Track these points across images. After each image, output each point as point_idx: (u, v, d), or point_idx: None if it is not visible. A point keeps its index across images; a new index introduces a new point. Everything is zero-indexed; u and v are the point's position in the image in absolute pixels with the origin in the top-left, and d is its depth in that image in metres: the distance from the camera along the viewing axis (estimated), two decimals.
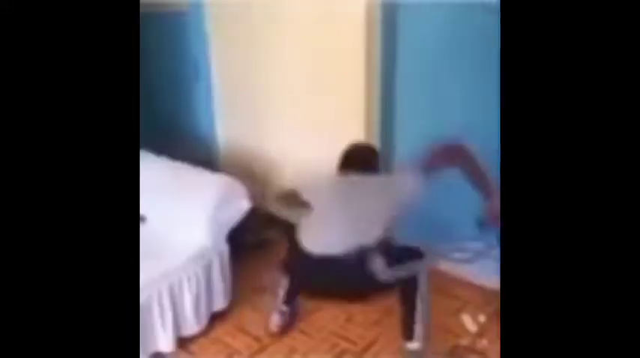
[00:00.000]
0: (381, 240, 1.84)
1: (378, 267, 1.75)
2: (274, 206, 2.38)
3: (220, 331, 2.26)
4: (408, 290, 1.92)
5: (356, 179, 1.95)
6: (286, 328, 2.24)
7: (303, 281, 2.06)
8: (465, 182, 1.83)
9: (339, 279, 1.90)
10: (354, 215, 1.85)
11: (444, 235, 2.45)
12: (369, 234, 1.81)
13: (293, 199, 2.16)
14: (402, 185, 1.85)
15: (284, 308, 2.22)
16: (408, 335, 1.93)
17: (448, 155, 1.84)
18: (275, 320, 2.22)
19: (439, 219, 2.41)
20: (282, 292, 2.21)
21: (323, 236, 1.86)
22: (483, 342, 2.12)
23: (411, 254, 1.92)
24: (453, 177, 1.84)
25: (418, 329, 1.89)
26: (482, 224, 1.80)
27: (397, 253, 1.87)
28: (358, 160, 2.04)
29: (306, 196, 2.04)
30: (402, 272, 1.84)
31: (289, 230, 2.08)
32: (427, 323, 1.89)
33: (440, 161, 1.86)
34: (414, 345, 1.91)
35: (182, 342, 2.15)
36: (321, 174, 2.12)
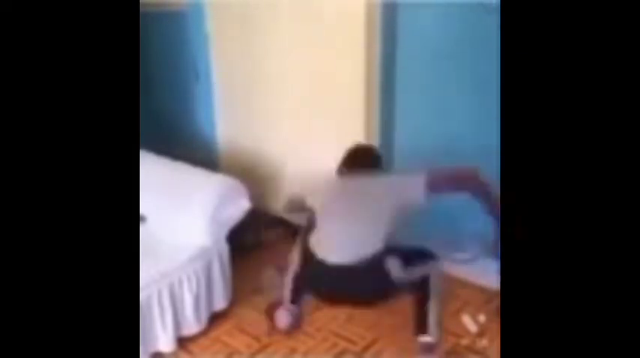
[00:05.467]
0: (389, 243, 1.85)
1: (394, 268, 1.82)
2: (284, 212, 2.39)
3: (220, 331, 2.26)
4: (419, 291, 1.91)
5: (357, 181, 1.97)
6: (294, 326, 2.21)
7: (314, 286, 2.03)
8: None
9: (350, 286, 1.90)
10: (359, 218, 1.87)
11: (445, 235, 2.46)
12: (376, 237, 1.84)
13: (300, 204, 2.19)
14: (403, 190, 1.87)
15: (291, 307, 2.19)
16: (422, 328, 1.90)
17: (459, 180, 1.86)
18: (283, 318, 2.19)
19: (441, 219, 2.41)
20: (287, 292, 2.18)
21: (336, 245, 1.90)
22: (483, 342, 2.12)
23: (421, 255, 1.95)
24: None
25: (431, 322, 1.88)
26: (491, 250, 1.88)
27: (408, 255, 1.90)
28: (360, 161, 2.05)
29: (310, 201, 2.05)
30: (415, 273, 1.89)
31: (299, 233, 2.08)
32: (439, 319, 1.90)
33: (450, 185, 1.88)
34: (425, 338, 1.89)
35: (182, 342, 2.15)
36: (323, 179, 2.13)
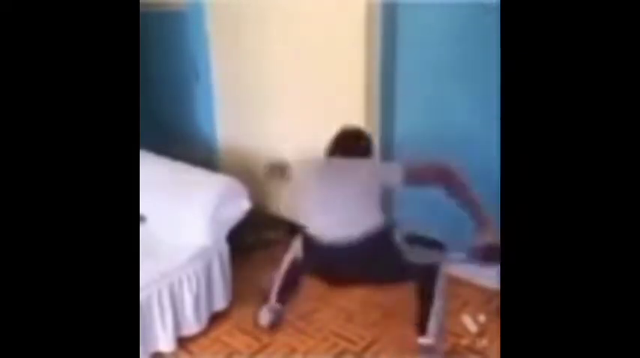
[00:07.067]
0: (388, 226, 1.85)
1: (402, 243, 1.82)
2: (264, 177, 2.41)
3: (220, 331, 2.26)
4: (426, 284, 1.91)
5: (343, 161, 1.96)
6: (276, 325, 2.20)
7: (321, 273, 2.00)
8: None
9: (358, 266, 1.85)
10: (352, 194, 1.86)
11: (445, 234, 2.45)
12: (374, 210, 1.83)
13: (281, 170, 2.25)
14: (384, 174, 1.87)
15: (277, 306, 2.18)
16: (422, 330, 1.89)
17: (433, 172, 1.85)
18: (266, 317, 2.18)
19: (441, 218, 2.41)
20: (275, 289, 2.17)
21: (337, 222, 1.86)
22: (483, 342, 2.13)
23: (431, 244, 1.95)
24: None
25: (432, 325, 1.87)
26: (471, 255, 1.82)
27: (416, 239, 1.91)
28: (348, 146, 2.01)
29: (297, 175, 2.09)
30: (423, 257, 1.88)
31: (297, 229, 2.08)
32: (441, 320, 1.89)
33: (424, 176, 1.88)
34: (426, 340, 1.88)
35: (182, 342, 2.15)
36: (311, 156, 2.11)
